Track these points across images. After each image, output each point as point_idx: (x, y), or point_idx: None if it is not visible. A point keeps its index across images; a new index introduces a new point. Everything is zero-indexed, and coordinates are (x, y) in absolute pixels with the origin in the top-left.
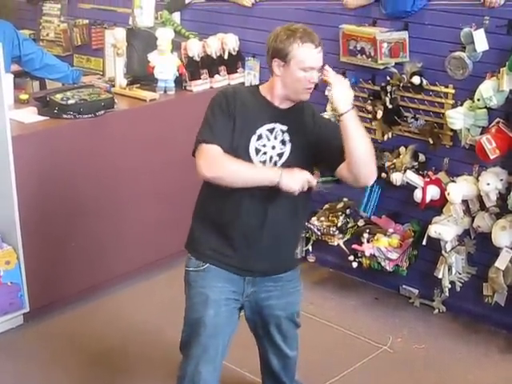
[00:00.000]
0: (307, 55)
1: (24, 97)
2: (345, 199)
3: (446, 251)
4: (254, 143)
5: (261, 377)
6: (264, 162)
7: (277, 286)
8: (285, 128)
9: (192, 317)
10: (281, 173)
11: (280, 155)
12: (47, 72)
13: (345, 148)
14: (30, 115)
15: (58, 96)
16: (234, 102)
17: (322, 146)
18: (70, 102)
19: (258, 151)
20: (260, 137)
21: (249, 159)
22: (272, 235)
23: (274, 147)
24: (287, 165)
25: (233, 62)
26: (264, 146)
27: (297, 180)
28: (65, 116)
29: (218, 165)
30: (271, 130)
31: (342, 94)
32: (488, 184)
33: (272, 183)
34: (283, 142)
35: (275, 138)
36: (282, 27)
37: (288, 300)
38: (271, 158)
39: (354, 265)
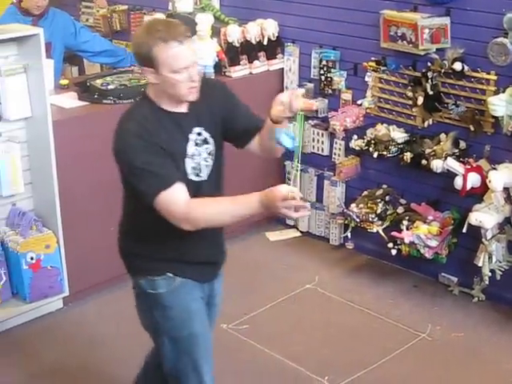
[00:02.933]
0: (173, 55)
1: (64, 82)
2: (384, 186)
3: (486, 239)
4: (189, 165)
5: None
6: (197, 175)
7: (218, 282)
8: (199, 129)
9: (182, 335)
10: (260, 205)
11: (211, 154)
12: (106, 57)
13: (265, 145)
14: (71, 100)
15: (98, 81)
16: (150, 137)
17: (230, 125)
18: (110, 87)
19: (193, 169)
20: (193, 155)
21: (186, 179)
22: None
23: (200, 154)
24: (218, 160)
25: (272, 48)
26: (198, 163)
27: (280, 208)
28: (105, 101)
29: (198, 215)
30: (194, 142)
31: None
32: None
33: (255, 213)
34: (205, 141)
35: (197, 144)
36: (142, 26)
37: (221, 292)
38: (201, 166)
39: (393, 252)
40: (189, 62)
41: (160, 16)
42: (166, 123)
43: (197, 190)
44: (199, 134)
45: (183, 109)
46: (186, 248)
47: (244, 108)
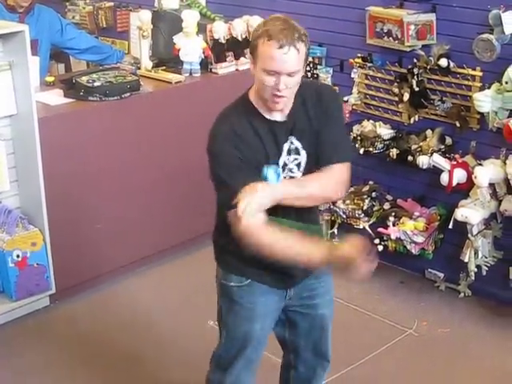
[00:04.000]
0: (269, 56)
1: (50, 79)
2: (370, 182)
3: (472, 235)
4: (283, 159)
5: None
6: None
7: (320, 282)
8: (293, 139)
9: (237, 331)
10: (328, 257)
11: (298, 165)
12: (92, 54)
13: None
14: (56, 97)
15: (84, 78)
16: (239, 144)
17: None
18: (96, 84)
19: (284, 167)
20: (284, 166)
21: None
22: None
23: (285, 164)
24: (307, 171)
25: None
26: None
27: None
28: (91, 98)
29: (252, 241)
30: (288, 152)
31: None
32: None
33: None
34: (296, 151)
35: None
36: (272, 16)
37: (329, 296)
38: (289, 176)
39: (380, 248)
40: (280, 68)
41: (147, 13)
42: (260, 129)
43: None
44: (292, 142)
45: (278, 117)
46: (264, 263)
47: (333, 136)
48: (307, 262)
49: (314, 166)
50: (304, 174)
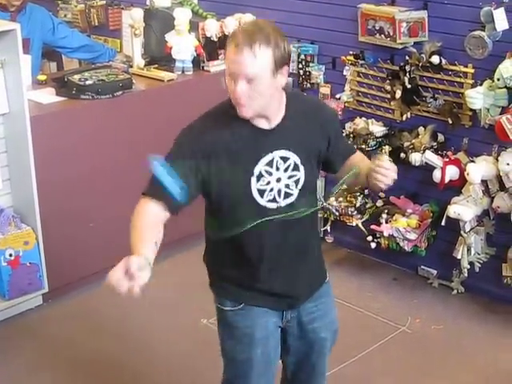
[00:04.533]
0: (227, 57)
1: (42, 77)
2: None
3: (464, 232)
4: (254, 186)
5: None
6: (274, 200)
7: (317, 305)
8: (286, 153)
9: (238, 358)
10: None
11: (296, 182)
12: (84, 52)
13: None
14: (48, 96)
15: (76, 77)
16: (203, 147)
17: (328, 153)
18: (88, 82)
19: (262, 192)
20: (260, 176)
21: (255, 204)
22: (297, 253)
23: (279, 179)
24: (305, 188)
25: None
26: (268, 183)
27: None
28: (83, 96)
29: (132, 220)
30: (270, 163)
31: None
32: (508, 164)
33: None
34: (295, 167)
35: (277, 168)
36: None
37: (330, 317)
38: (279, 192)
39: (373, 245)
40: (234, 69)
41: (139, 11)
42: (238, 132)
43: (270, 214)
44: (284, 158)
45: (264, 125)
46: (258, 277)
47: (342, 140)
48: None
49: (310, 182)
50: (301, 191)
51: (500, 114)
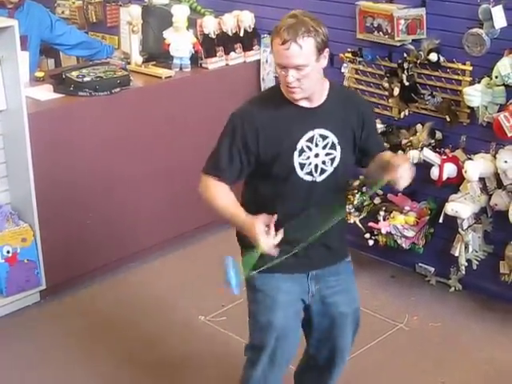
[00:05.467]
0: (276, 51)
1: (40, 74)
2: (361, 177)
3: (462, 229)
4: (296, 160)
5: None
6: (310, 173)
7: (338, 280)
8: (325, 132)
9: (261, 320)
10: (243, 224)
11: (332, 160)
12: (82, 49)
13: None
14: (46, 93)
15: (74, 73)
16: (253, 127)
17: (360, 142)
18: (86, 79)
19: (302, 166)
20: (302, 151)
21: (296, 176)
22: (322, 218)
23: (317, 155)
24: (339, 168)
25: (248, 40)
26: (308, 158)
27: (255, 239)
28: (80, 93)
29: (207, 197)
30: (311, 139)
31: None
32: (505, 162)
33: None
34: (332, 146)
35: (316, 145)
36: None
37: (350, 295)
38: (316, 167)
39: (370, 243)
40: (285, 62)
41: (137, 7)
42: (286, 112)
43: (308, 188)
44: (323, 136)
45: (307, 105)
46: (284, 246)
47: (375, 133)
48: (232, 221)
49: (345, 164)
50: (335, 169)
51: (498, 112)
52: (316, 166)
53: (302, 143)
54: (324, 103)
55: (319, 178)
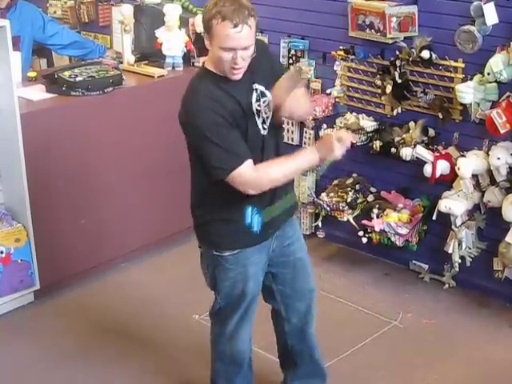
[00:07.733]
0: (225, 35)
1: (32, 74)
2: (354, 175)
3: (455, 226)
4: (258, 120)
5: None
6: (264, 127)
7: (294, 229)
8: (259, 86)
9: (233, 293)
10: (316, 151)
11: (268, 106)
12: (74, 49)
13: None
14: (39, 93)
15: (66, 73)
16: (221, 110)
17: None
18: (78, 79)
19: (258, 112)
20: (258, 112)
21: (260, 133)
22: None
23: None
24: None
25: None
26: (259, 112)
27: (333, 149)
28: (73, 93)
29: (265, 182)
30: (258, 99)
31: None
32: (498, 158)
33: (315, 164)
34: (263, 94)
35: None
36: None
37: (302, 241)
38: (265, 117)
39: (364, 240)
40: (236, 44)
41: (129, 7)
42: (228, 89)
43: (263, 142)
44: (256, 89)
45: (241, 75)
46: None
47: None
48: (309, 163)
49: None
50: (272, 112)
51: (490, 109)
52: (264, 120)
53: (255, 106)
54: (250, 65)
55: (267, 129)
